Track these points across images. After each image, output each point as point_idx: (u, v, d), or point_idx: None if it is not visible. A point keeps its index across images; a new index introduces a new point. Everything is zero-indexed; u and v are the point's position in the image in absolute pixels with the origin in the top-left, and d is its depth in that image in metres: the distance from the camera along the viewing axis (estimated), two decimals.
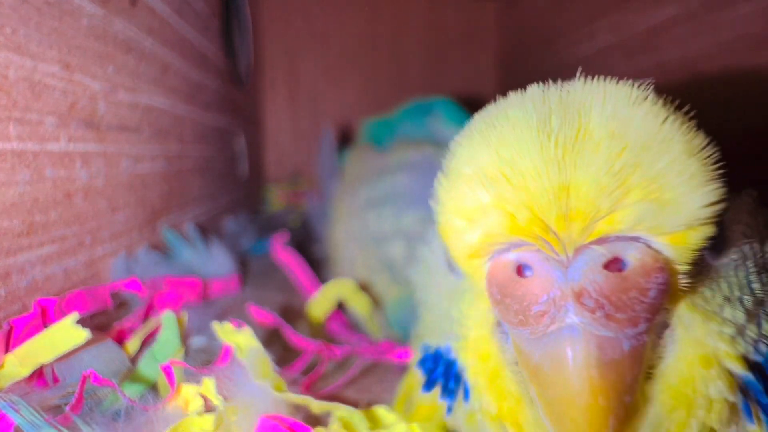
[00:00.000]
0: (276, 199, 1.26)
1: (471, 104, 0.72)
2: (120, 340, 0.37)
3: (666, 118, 0.18)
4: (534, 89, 0.20)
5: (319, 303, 0.46)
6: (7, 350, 0.30)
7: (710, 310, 0.19)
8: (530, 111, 0.19)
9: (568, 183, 0.17)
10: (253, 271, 0.66)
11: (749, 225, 0.21)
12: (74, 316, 0.31)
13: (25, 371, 0.30)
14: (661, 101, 0.18)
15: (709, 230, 0.17)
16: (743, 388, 0.19)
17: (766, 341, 0.19)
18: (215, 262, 0.56)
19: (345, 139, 1.01)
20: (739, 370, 0.18)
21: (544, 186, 0.17)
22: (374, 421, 0.28)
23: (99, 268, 0.44)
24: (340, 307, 0.49)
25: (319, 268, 0.69)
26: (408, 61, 1.41)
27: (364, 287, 0.48)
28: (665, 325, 0.19)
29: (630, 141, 0.17)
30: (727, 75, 0.56)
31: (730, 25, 0.54)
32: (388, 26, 1.39)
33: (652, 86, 0.19)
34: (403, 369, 0.38)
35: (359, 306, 0.46)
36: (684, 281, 0.18)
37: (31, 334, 0.31)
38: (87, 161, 0.42)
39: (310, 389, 0.34)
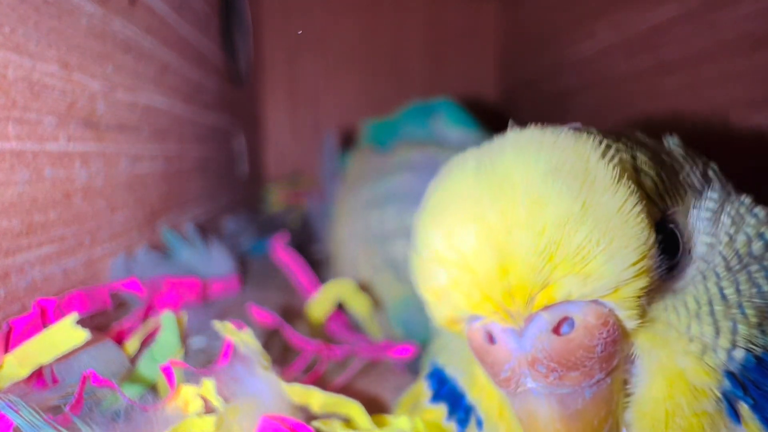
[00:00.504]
0: (275, 199, 1.26)
1: (471, 105, 0.72)
2: (119, 340, 0.37)
3: (583, 184, 0.18)
4: (469, 164, 0.21)
5: (319, 303, 0.46)
6: (6, 351, 0.30)
7: (674, 332, 0.20)
8: (467, 195, 0.20)
9: (506, 264, 0.18)
10: (252, 271, 0.66)
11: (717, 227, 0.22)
12: (73, 316, 0.31)
13: (25, 372, 0.29)
14: (582, 158, 0.19)
15: (644, 281, 0.19)
16: (726, 395, 0.19)
17: (742, 345, 0.20)
18: (215, 263, 0.56)
19: (345, 140, 1.00)
20: (711, 383, 0.19)
21: (487, 268, 0.19)
22: (375, 419, 0.28)
23: (98, 269, 0.44)
24: (341, 308, 0.49)
25: (319, 269, 0.69)
26: (408, 61, 1.41)
27: (364, 287, 0.48)
28: (631, 359, 0.20)
29: (549, 219, 0.18)
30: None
31: (731, 25, 0.54)
32: (388, 26, 1.39)
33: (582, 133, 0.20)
34: (401, 369, 0.38)
35: (359, 306, 0.46)
36: (636, 320, 0.19)
37: (30, 334, 0.31)
38: (86, 161, 0.41)
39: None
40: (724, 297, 0.20)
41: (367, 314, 0.45)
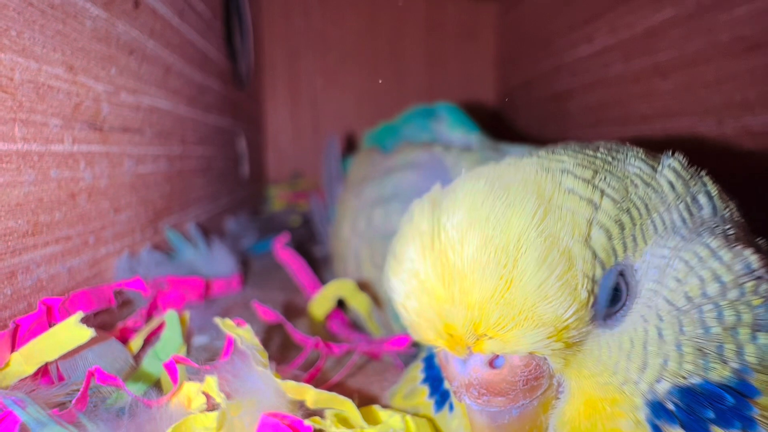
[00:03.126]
0: (276, 199, 1.26)
1: (470, 105, 0.72)
2: (123, 338, 0.37)
3: (506, 264, 0.21)
4: (425, 218, 0.24)
5: (320, 303, 0.47)
6: (12, 349, 0.31)
7: (601, 366, 0.23)
8: (419, 263, 0.23)
9: (449, 318, 0.22)
10: (254, 270, 0.67)
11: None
12: (78, 315, 0.31)
13: (31, 369, 0.30)
14: (513, 234, 0.21)
15: (564, 339, 0.21)
16: (650, 419, 0.22)
17: (669, 378, 0.22)
18: (217, 262, 0.57)
19: (346, 141, 1.01)
20: (627, 408, 0.23)
21: (436, 317, 0.22)
22: (369, 417, 0.29)
23: (102, 268, 0.44)
24: (341, 307, 0.50)
25: (320, 267, 0.70)
26: (407, 63, 1.41)
27: (363, 287, 0.49)
28: (560, 384, 0.24)
29: (474, 299, 0.21)
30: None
31: (726, 28, 0.54)
32: (388, 28, 1.39)
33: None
34: (399, 366, 0.38)
35: (359, 305, 0.46)
36: (560, 362, 0.23)
37: (36, 332, 0.32)
38: (91, 162, 0.42)
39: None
40: (661, 337, 0.23)
41: (367, 312, 0.46)
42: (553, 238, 0.21)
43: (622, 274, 0.23)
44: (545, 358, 0.22)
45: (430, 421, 0.29)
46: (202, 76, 0.74)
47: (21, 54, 0.33)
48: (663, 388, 0.22)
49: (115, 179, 0.46)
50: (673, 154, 0.26)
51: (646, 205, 0.24)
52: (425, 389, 0.30)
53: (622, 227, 0.23)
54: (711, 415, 0.22)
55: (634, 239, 0.23)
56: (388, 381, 0.36)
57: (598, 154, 0.25)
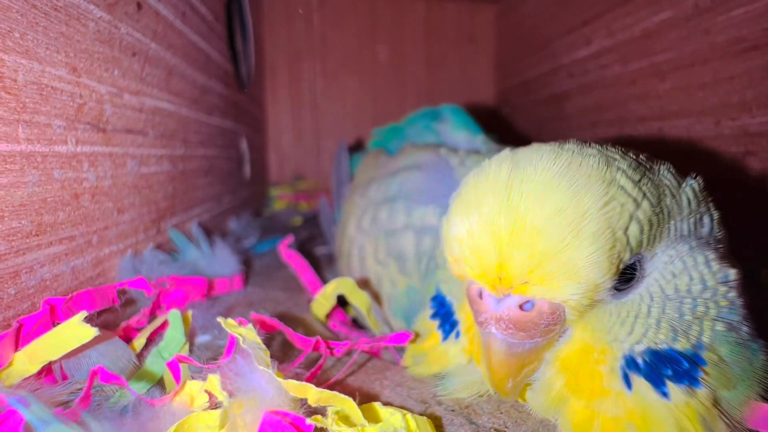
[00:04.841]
0: (277, 199, 1.27)
1: (469, 107, 0.73)
2: (127, 337, 0.38)
3: (571, 231, 0.26)
4: (494, 170, 0.29)
5: (321, 302, 0.47)
6: (16, 348, 0.31)
7: (600, 326, 0.29)
8: (489, 200, 0.28)
9: (503, 263, 0.27)
10: (256, 269, 0.67)
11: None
12: (82, 314, 0.31)
13: (34, 368, 0.30)
14: (582, 206, 0.26)
15: (589, 302, 0.27)
16: (623, 369, 0.29)
17: (645, 343, 0.29)
18: (219, 262, 0.57)
19: (354, 142, 1.01)
20: (609, 357, 0.29)
21: (490, 260, 0.27)
22: (370, 415, 0.29)
23: (106, 268, 0.44)
24: (342, 307, 0.50)
25: (321, 266, 0.70)
26: (407, 65, 1.41)
27: (366, 283, 0.49)
28: (565, 329, 0.29)
29: (537, 248, 0.26)
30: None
31: (723, 29, 0.54)
32: (388, 31, 1.39)
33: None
34: (399, 362, 0.39)
35: (359, 302, 0.46)
36: (576, 317, 0.28)
37: (40, 332, 0.32)
38: (94, 163, 0.42)
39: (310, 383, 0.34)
40: (649, 314, 0.29)
41: (366, 309, 0.46)
42: (608, 221, 0.26)
43: (639, 261, 0.29)
44: (566, 310, 0.28)
45: (430, 420, 0.30)
46: (205, 77, 0.74)
47: (24, 55, 0.33)
48: (639, 348, 0.29)
49: (118, 180, 0.46)
50: (696, 177, 0.32)
51: (669, 213, 0.29)
52: (434, 323, 0.37)
53: (651, 226, 0.28)
54: (669, 372, 0.28)
55: (655, 237, 0.28)
56: (389, 379, 0.36)
57: (640, 161, 0.30)
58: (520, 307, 0.27)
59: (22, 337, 0.32)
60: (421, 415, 0.30)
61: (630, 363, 0.28)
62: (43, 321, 0.33)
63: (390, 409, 0.29)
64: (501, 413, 0.32)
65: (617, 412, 0.28)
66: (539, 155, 0.28)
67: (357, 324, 0.51)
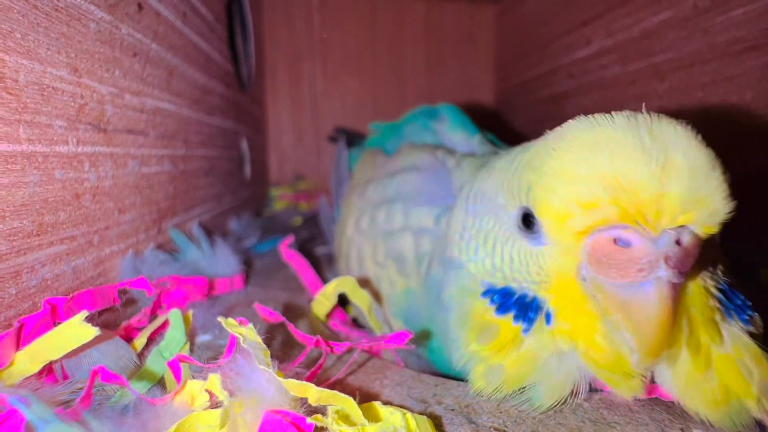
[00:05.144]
0: (278, 200, 1.27)
1: (469, 107, 0.73)
2: (128, 337, 0.38)
3: (710, 157, 0.27)
4: (622, 117, 0.29)
5: (322, 302, 0.47)
6: (17, 347, 0.31)
7: (707, 261, 0.30)
8: (631, 146, 0.27)
9: (663, 195, 0.27)
10: (256, 269, 0.67)
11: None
12: (83, 314, 0.31)
13: (35, 368, 0.30)
14: (700, 137, 0.28)
15: (721, 226, 0.28)
16: (721, 301, 0.30)
17: (731, 280, 0.32)
18: (220, 261, 0.57)
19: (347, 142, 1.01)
20: (713, 290, 0.30)
21: (649, 194, 0.27)
22: (370, 414, 0.29)
23: (107, 267, 0.44)
24: (342, 307, 0.50)
25: (321, 266, 0.70)
26: (407, 66, 1.41)
27: (365, 284, 0.49)
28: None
29: (693, 178, 0.27)
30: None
31: (723, 29, 0.54)
32: (388, 31, 1.40)
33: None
34: (399, 362, 0.39)
35: (360, 301, 0.47)
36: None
37: (41, 331, 0.32)
38: (95, 163, 0.42)
39: (310, 382, 0.34)
40: (719, 255, 0.32)
41: (367, 308, 0.46)
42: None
43: None
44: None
45: (430, 419, 0.30)
46: (206, 78, 0.74)
47: (25, 56, 0.34)
48: (719, 286, 0.31)
49: (119, 180, 0.46)
50: None
51: None
52: (507, 317, 0.33)
53: None
54: (740, 303, 0.31)
55: None
56: (389, 378, 0.36)
57: None
58: (677, 242, 0.27)
59: (23, 336, 0.32)
60: (420, 414, 0.30)
61: (727, 297, 0.30)
62: (44, 321, 0.33)
63: (390, 409, 0.29)
64: (500, 412, 0.32)
65: (728, 350, 0.30)
66: (670, 122, 0.29)
67: (357, 324, 0.51)
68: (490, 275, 0.35)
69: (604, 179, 0.27)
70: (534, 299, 0.32)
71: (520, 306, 0.32)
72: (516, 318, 0.32)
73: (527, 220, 0.32)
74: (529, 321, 0.32)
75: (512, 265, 0.33)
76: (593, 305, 0.30)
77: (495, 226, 0.35)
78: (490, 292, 0.34)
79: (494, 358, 0.32)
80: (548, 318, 0.31)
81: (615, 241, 0.28)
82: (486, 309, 0.34)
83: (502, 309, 0.33)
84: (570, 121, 0.31)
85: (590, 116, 0.30)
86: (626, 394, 0.30)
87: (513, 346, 0.32)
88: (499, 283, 0.34)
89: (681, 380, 0.29)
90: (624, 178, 0.27)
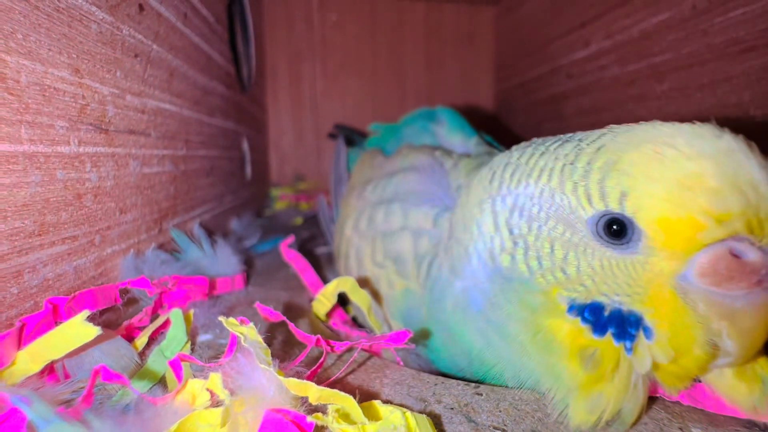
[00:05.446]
0: (278, 200, 1.28)
1: (468, 107, 0.73)
2: (129, 336, 0.38)
3: None
4: (710, 127, 0.29)
5: (323, 301, 0.47)
6: (19, 347, 0.31)
7: None
8: (741, 148, 0.28)
9: None
10: (257, 269, 0.67)
11: None
12: (85, 313, 0.31)
13: (37, 367, 0.30)
14: None
15: None
16: None
17: None
18: (221, 261, 0.57)
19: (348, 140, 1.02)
20: None
21: (765, 207, 0.27)
22: (370, 413, 0.29)
23: (108, 267, 0.45)
24: (343, 307, 0.50)
25: (321, 266, 0.70)
26: (407, 66, 1.42)
27: (364, 283, 0.49)
28: None
29: None
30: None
31: (721, 30, 0.54)
32: (388, 33, 1.40)
33: None
34: (398, 361, 0.39)
35: (360, 301, 0.47)
36: None
37: (42, 331, 0.32)
38: (96, 163, 0.42)
39: (311, 381, 0.34)
40: None
41: (367, 308, 0.46)
42: None
43: None
44: None
45: (429, 418, 0.30)
46: (206, 79, 0.74)
47: (27, 57, 0.34)
48: None
49: (120, 180, 0.46)
50: None
51: None
52: (607, 338, 0.30)
53: None
54: None
55: None
56: (389, 378, 0.36)
57: None
58: None
59: (24, 336, 0.32)
60: (420, 413, 0.30)
61: None
62: (45, 320, 0.33)
63: (390, 408, 0.29)
64: (500, 411, 0.32)
65: None
66: (742, 142, 0.29)
67: (357, 323, 0.51)
68: (566, 288, 0.31)
69: (735, 191, 0.27)
70: (630, 313, 0.30)
71: (618, 322, 0.30)
72: (617, 337, 0.30)
73: (611, 227, 0.30)
74: (631, 338, 0.30)
75: (595, 277, 0.30)
76: (692, 315, 0.29)
77: (566, 232, 0.32)
78: (575, 308, 0.31)
79: (596, 385, 0.30)
80: (647, 332, 0.29)
81: (731, 253, 0.28)
82: (579, 329, 0.31)
83: (599, 328, 0.30)
84: (646, 124, 0.30)
85: (669, 123, 0.30)
86: (676, 392, 0.32)
87: (615, 368, 0.30)
88: (581, 298, 0.31)
89: (728, 377, 0.31)
90: (752, 191, 0.27)
